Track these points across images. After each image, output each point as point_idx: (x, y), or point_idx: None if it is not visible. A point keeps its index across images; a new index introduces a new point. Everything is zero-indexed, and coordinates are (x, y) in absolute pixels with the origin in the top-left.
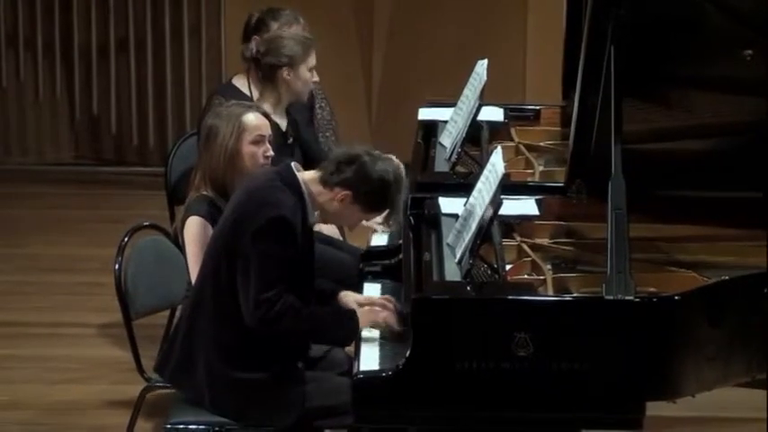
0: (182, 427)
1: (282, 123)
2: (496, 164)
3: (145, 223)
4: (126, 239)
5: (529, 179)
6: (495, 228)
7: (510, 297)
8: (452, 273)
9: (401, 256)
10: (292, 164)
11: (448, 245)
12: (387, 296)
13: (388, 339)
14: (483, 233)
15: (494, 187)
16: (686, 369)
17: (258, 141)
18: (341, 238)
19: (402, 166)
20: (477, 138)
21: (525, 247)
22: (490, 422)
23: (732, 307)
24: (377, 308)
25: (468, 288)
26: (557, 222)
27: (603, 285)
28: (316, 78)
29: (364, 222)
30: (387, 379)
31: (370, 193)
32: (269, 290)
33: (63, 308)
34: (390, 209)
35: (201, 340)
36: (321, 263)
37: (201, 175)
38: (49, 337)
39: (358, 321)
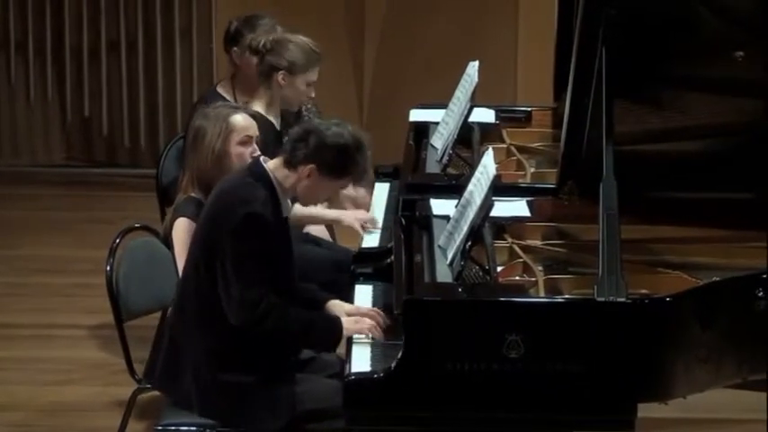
0: (173, 428)
1: (277, 122)
2: (488, 165)
3: (136, 225)
4: (117, 241)
5: (520, 180)
6: (486, 229)
7: (501, 299)
8: (444, 274)
9: (392, 257)
10: (261, 157)
11: (439, 246)
12: (376, 309)
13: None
14: (474, 235)
15: (485, 189)
16: (677, 370)
17: (246, 142)
18: (330, 240)
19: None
20: (469, 139)
21: (517, 248)
22: (482, 424)
23: (723, 308)
24: (366, 319)
25: (460, 290)
26: (548, 224)
27: (595, 287)
28: (312, 94)
29: (355, 225)
30: (378, 380)
31: (333, 159)
32: (251, 289)
33: (54, 309)
34: (356, 169)
35: (187, 344)
36: (310, 265)
37: (189, 177)
38: (40, 339)
39: (342, 328)
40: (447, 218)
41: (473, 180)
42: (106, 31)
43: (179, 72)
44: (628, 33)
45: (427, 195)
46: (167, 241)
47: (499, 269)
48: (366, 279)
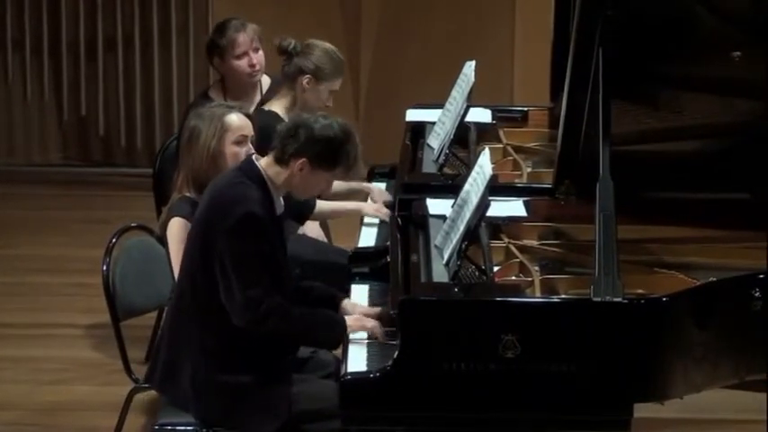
0: (170, 428)
1: None
2: (484, 165)
3: (133, 224)
4: (114, 240)
5: (517, 180)
6: (482, 229)
7: (498, 299)
8: (440, 274)
9: (389, 257)
10: (252, 156)
11: (436, 246)
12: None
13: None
14: (471, 234)
15: (481, 189)
16: (674, 371)
17: (241, 142)
18: (326, 241)
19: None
20: (465, 139)
21: (513, 248)
22: (478, 423)
23: (720, 309)
24: (369, 319)
25: (456, 289)
26: (545, 224)
27: (591, 287)
28: (330, 104)
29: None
30: (374, 380)
31: (323, 151)
32: (253, 289)
33: (51, 309)
34: (348, 159)
35: (185, 345)
36: (307, 266)
37: (184, 176)
38: (36, 338)
39: (345, 326)
40: (443, 218)
41: (469, 180)
42: (103, 30)
43: (176, 71)
44: (624, 33)
45: (424, 195)
46: (163, 241)
47: (495, 269)
48: (362, 279)
